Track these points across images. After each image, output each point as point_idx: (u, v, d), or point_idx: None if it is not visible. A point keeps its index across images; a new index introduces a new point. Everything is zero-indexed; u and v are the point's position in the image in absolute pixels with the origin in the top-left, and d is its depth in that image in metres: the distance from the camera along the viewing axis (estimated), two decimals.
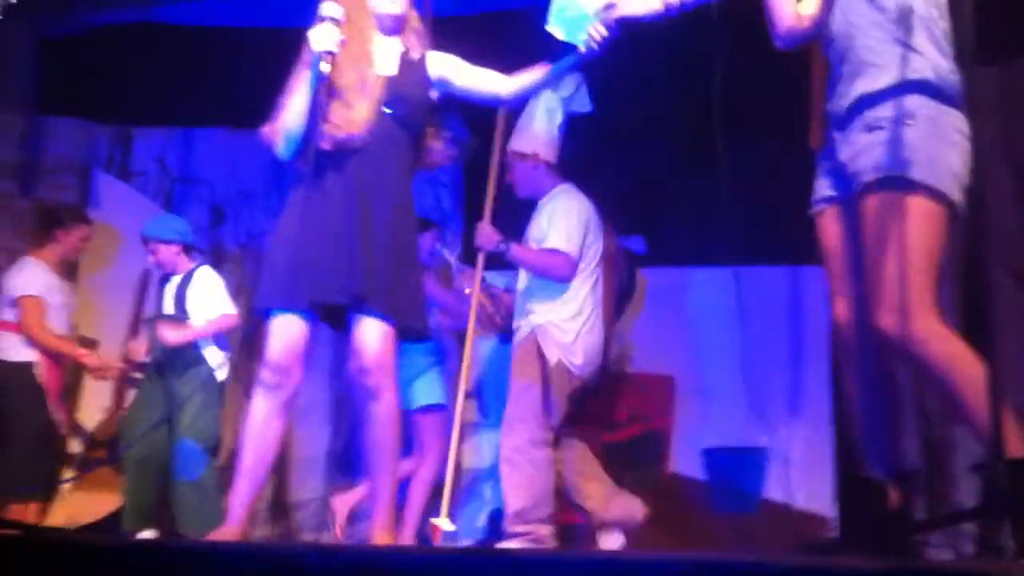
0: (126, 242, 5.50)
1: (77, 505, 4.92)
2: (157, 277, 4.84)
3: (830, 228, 2.52)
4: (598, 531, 4.02)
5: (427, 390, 4.62)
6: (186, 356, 4.56)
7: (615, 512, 3.97)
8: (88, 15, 5.98)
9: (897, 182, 2.25)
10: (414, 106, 2.88)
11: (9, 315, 4.73)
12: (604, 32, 2.69)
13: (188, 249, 4.71)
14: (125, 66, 5.76)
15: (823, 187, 2.55)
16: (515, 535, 3.67)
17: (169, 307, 4.62)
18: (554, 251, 3.89)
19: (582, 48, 2.72)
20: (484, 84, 2.96)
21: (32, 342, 4.70)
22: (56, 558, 1.77)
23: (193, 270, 4.66)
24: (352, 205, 2.75)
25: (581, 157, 4.25)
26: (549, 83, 3.07)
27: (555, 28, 2.75)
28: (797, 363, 5.01)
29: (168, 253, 4.63)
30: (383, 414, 2.81)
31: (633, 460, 4.80)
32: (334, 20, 2.71)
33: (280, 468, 5.29)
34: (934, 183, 2.23)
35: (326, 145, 2.78)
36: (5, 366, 4.71)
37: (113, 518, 4.74)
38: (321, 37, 2.70)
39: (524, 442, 3.74)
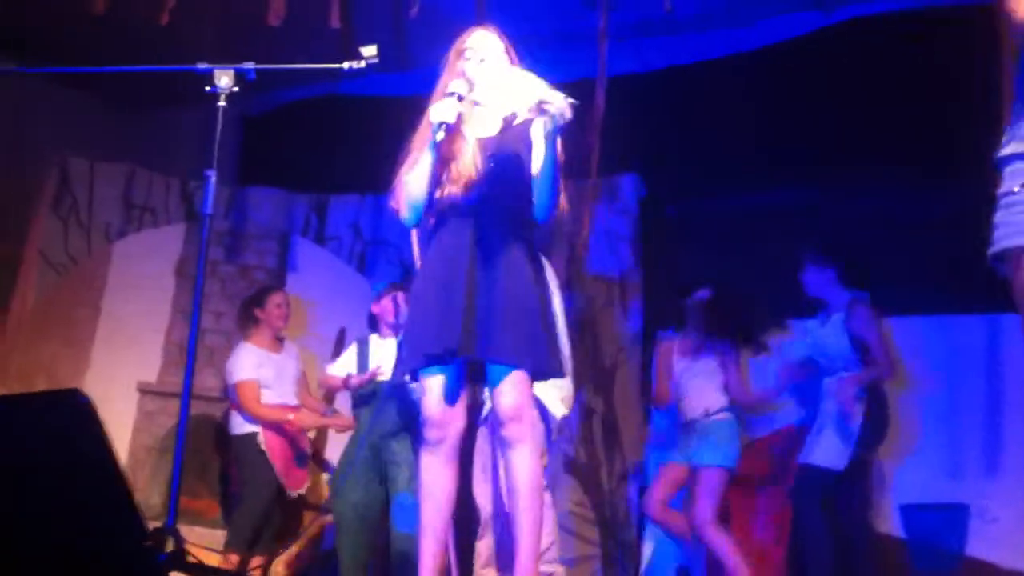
0: (321, 305, 5.81)
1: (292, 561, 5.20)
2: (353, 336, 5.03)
3: None
4: None
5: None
6: (410, 422, 4.58)
7: None
8: (282, 92, 6.43)
9: None
10: (517, 165, 2.92)
11: (234, 398, 5.06)
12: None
13: None
14: (318, 137, 6.14)
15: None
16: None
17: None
18: None
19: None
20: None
21: (251, 418, 4.99)
22: None
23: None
24: (467, 263, 2.83)
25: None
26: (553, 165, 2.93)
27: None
28: (996, 415, 4.75)
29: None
30: (521, 464, 2.82)
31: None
32: (459, 97, 2.84)
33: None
34: None
35: (442, 207, 2.91)
36: (234, 439, 5.06)
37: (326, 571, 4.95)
38: (442, 110, 2.81)
39: None
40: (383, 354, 4.69)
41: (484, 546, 4.11)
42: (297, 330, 5.74)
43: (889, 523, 4.84)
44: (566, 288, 5.71)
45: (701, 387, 4.71)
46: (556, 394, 4.14)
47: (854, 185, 4.99)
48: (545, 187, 2.86)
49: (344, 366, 4.78)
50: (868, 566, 4.40)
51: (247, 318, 5.17)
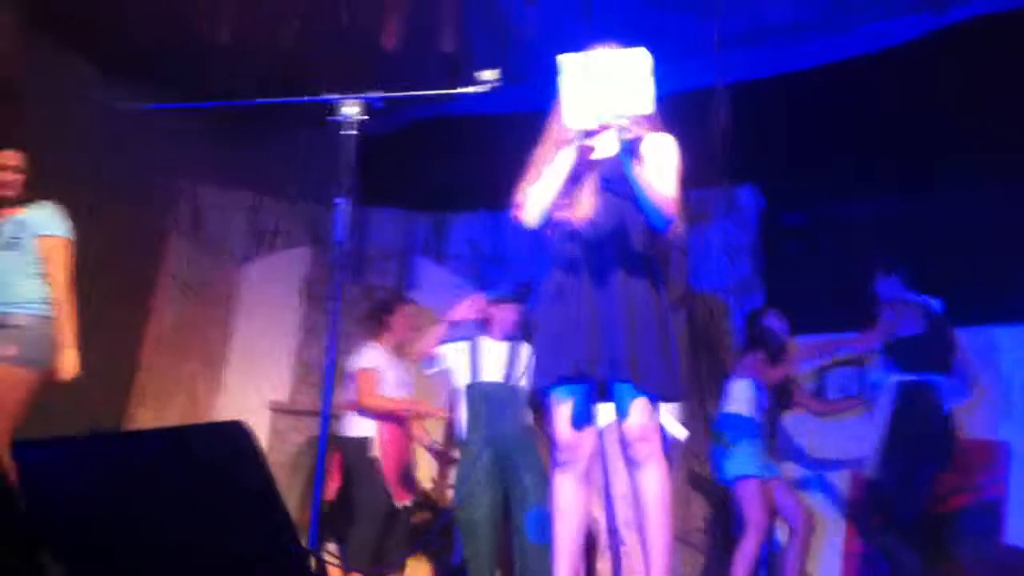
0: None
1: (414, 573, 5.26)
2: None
3: None
4: None
5: (742, 462, 4.78)
6: (526, 426, 4.67)
7: None
8: (401, 113, 6.55)
9: None
10: (631, 183, 2.90)
11: (351, 393, 5.12)
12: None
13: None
14: (435, 156, 6.24)
15: None
16: None
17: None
18: None
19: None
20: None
21: (365, 410, 5.05)
22: None
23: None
24: (583, 284, 2.85)
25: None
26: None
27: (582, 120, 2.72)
28: None
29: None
30: (650, 483, 2.82)
31: (964, 532, 4.50)
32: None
33: None
34: None
35: (563, 229, 2.92)
36: (344, 441, 5.10)
37: None
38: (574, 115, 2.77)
39: None
40: (493, 357, 4.72)
41: (602, 567, 4.13)
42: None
43: None
44: (685, 301, 5.69)
45: None
46: (675, 416, 4.15)
47: (969, 192, 4.86)
48: (644, 199, 2.85)
49: (454, 359, 4.79)
50: None
51: (375, 323, 5.26)
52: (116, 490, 1.66)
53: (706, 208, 5.48)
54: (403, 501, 5.12)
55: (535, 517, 4.53)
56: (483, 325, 4.85)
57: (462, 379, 4.78)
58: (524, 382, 4.60)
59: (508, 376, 4.69)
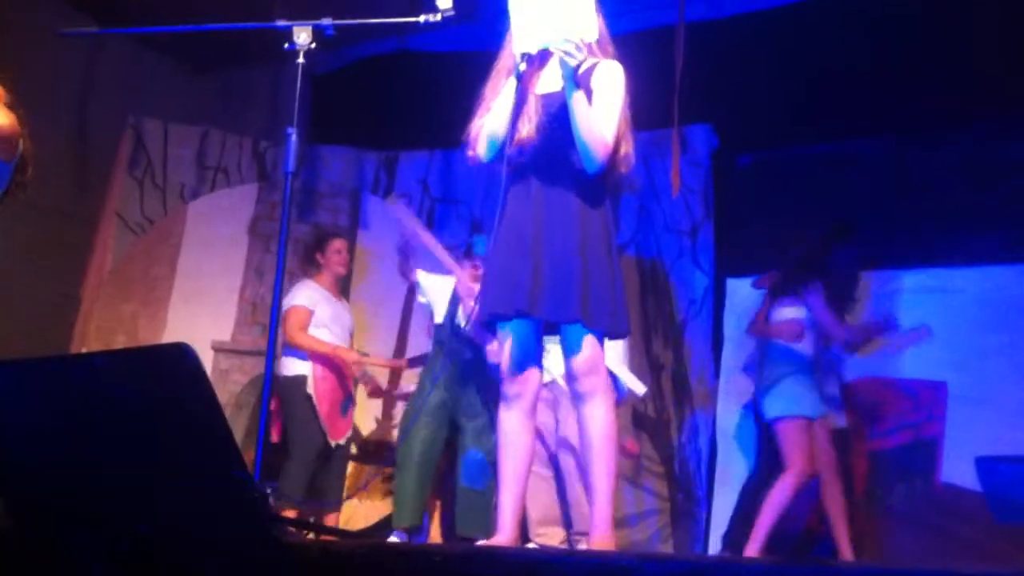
0: (391, 259, 5.86)
1: (353, 512, 5.26)
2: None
3: None
4: None
5: (787, 399, 4.60)
6: (482, 370, 4.69)
7: None
8: (350, 50, 6.43)
9: None
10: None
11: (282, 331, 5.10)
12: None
13: None
14: (386, 94, 6.14)
15: None
16: None
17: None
18: None
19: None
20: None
21: (292, 346, 5.04)
22: (362, 562, 1.94)
23: None
24: (533, 219, 2.83)
25: None
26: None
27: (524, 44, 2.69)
28: None
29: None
30: (596, 417, 2.83)
31: (902, 469, 4.61)
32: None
33: None
34: None
35: (510, 165, 2.87)
36: (282, 381, 5.09)
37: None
38: (523, 41, 2.75)
39: None
40: (437, 289, 4.78)
41: (536, 506, 4.19)
42: (359, 279, 5.86)
43: (966, 476, 4.78)
44: (636, 241, 5.71)
45: None
46: (624, 362, 4.17)
47: (934, 132, 4.89)
48: (576, 134, 2.79)
49: (433, 295, 4.82)
50: None
51: (308, 263, 5.29)
52: (57, 412, 1.63)
53: (658, 147, 5.46)
54: (336, 439, 5.11)
55: (468, 461, 4.57)
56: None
57: (439, 316, 4.80)
58: None
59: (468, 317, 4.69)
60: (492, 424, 4.63)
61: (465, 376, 4.68)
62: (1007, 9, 4.55)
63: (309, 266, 5.29)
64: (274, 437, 5.15)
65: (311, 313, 5.08)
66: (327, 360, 5.07)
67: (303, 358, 5.06)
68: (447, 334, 4.72)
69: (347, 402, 5.20)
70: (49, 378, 1.65)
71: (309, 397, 5.01)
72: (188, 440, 1.60)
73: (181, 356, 1.52)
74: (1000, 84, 4.64)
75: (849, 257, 4.80)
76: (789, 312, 4.68)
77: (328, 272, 5.25)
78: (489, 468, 4.58)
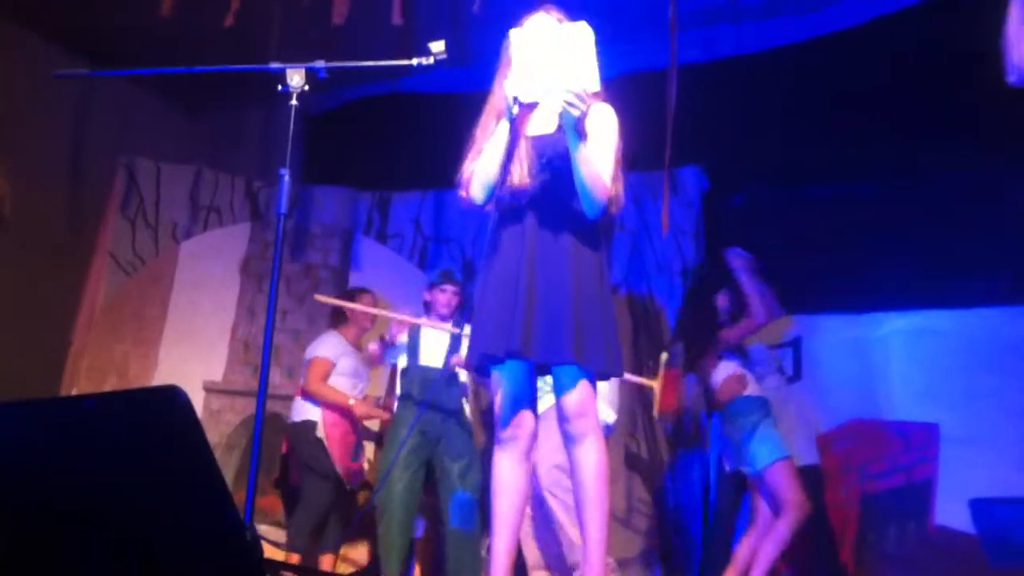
0: (383, 301, 5.85)
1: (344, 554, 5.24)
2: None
3: None
4: None
5: (772, 445, 4.60)
6: (460, 412, 4.71)
7: None
8: (344, 90, 6.48)
9: None
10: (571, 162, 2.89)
11: (302, 379, 5.17)
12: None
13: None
14: (379, 135, 6.17)
15: None
16: None
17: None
18: None
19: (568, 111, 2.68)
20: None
21: (308, 395, 5.07)
22: None
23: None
24: (522, 261, 2.82)
25: None
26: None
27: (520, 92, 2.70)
28: None
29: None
30: (588, 460, 2.82)
31: (895, 512, 4.59)
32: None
33: None
34: None
35: (502, 206, 2.89)
36: (292, 427, 5.13)
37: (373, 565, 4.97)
38: (515, 85, 2.76)
39: None
40: (432, 341, 4.76)
41: (530, 549, 4.15)
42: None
43: (960, 518, 4.76)
44: (629, 282, 5.72)
45: None
46: (604, 399, 4.16)
47: (921, 176, 4.93)
48: (579, 181, 2.80)
49: (401, 351, 4.84)
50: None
51: (337, 314, 5.28)
52: (47, 455, 1.61)
53: (650, 188, 5.49)
54: (350, 484, 5.15)
55: (456, 502, 4.55)
56: (426, 308, 4.86)
57: (401, 361, 4.80)
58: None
59: (447, 360, 4.70)
60: (476, 464, 4.63)
61: (444, 419, 4.67)
62: (983, 62, 4.62)
63: (337, 319, 5.29)
64: (293, 479, 5.21)
65: (333, 365, 5.10)
66: (339, 406, 5.08)
67: (315, 404, 5.08)
68: (419, 378, 4.71)
69: (358, 447, 5.22)
70: (38, 421, 1.63)
71: (320, 440, 5.02)
72: (179, 484, 1.59)
73: (172, 399, 1.52)
74: (981, 129, 4.68)
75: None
76: (723, 370, 4.75)
77: (355, 326, 5.26)
78: (477, 508, 4.56)
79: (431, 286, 4.87)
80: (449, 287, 4.80)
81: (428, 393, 4.62)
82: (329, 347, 5.13)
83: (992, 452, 4.64)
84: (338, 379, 5.10)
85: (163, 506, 1.62)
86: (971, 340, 4.79)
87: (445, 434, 4.66)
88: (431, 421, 4.64)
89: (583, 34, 2.68)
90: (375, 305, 5.27)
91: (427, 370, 4.69)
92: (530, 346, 2.76)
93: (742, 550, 4.60)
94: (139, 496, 1.62)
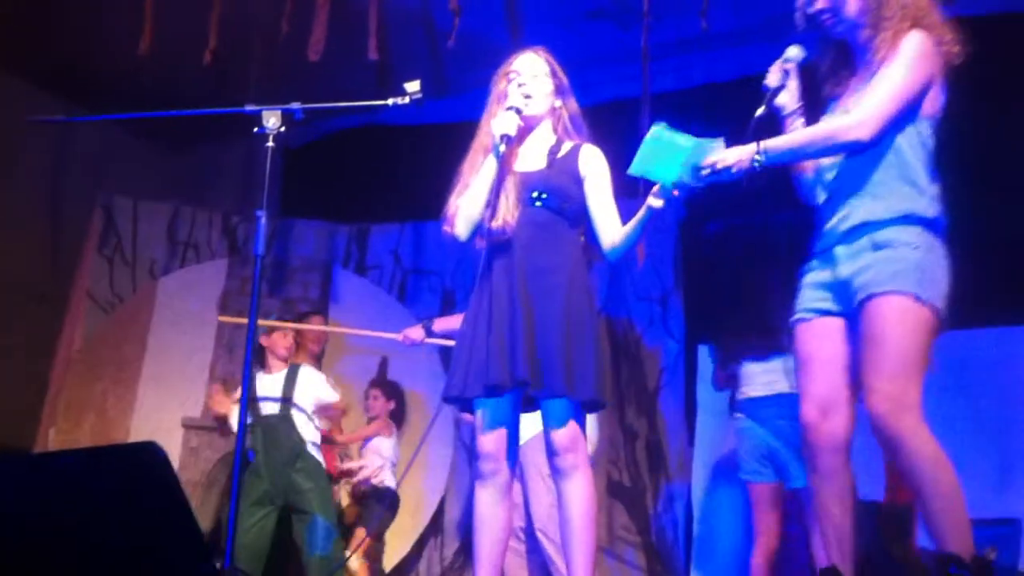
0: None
1: None
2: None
3: (820, 336, 2.69)
4: None
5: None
6: (299, 446, 4.70)
7: None
8: (322, 123, 6.50)
9: (906, 295, 2.53)
10: (564, 198, 2.94)
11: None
12: (695, 184, 2.79)
13: None
14: (357, 167, 6.19)
15: (817, 298, 2.71)
16: None
17: None
18: None
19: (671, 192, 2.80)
20: (599, 223, 2.97)
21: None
22: None
23: None
24: (514, 294, 2.85)
25: None
26: (639, 238, 2.94)
27: (642, 169, 2.77)
28: None
29: None
30: (576, 495, 2.82)
31: (874, 534, 4.60)
32: (517, 110, 2.91)
33: None
34: (935, 301, 2.55)
35: (490, 240, 2.91)
36: None
37: None
38: (503, 123, 2.86)
39: None
40: (267, 390, 4.76)
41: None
42: (337, 356, 5.84)
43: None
44: (608, 309, 5.74)
45: None
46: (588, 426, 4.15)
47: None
48: (626, 245, 2.92)
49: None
50: None
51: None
52: (24, 513, 1.61)
53: (626, 217, 5.53)
54: None
55: (314, 529, 4.56)
56: (258, 356, 4.83)
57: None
58: (304, 400, 4.73)
59: (284, 402, 4.71)
60: (327, 488, 4.71)
61: (288, 456, 4.65)
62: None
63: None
64: None
65: None
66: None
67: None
68: (258, 428, 4.69)
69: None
70: (16, 476, 1.64)
71: None
72: (156, 536, 1.59)
73: (150, 455, 1.53)
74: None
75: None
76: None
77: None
78: (334, 532, 4.60)
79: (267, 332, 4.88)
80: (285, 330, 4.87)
81: (268, 440, 4.64)
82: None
83: (968, 475, 4.67)
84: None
85: (141, 557, 1.62)
86: (945, 362, 4.81)
87: (293, 473, 4.63)
88: (275, 464, 4.63)
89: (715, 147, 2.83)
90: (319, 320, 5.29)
91: (264, 419, 4.69)
92: (522, 378, 2.76)
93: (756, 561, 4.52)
94: (117, 548, 1.63)
